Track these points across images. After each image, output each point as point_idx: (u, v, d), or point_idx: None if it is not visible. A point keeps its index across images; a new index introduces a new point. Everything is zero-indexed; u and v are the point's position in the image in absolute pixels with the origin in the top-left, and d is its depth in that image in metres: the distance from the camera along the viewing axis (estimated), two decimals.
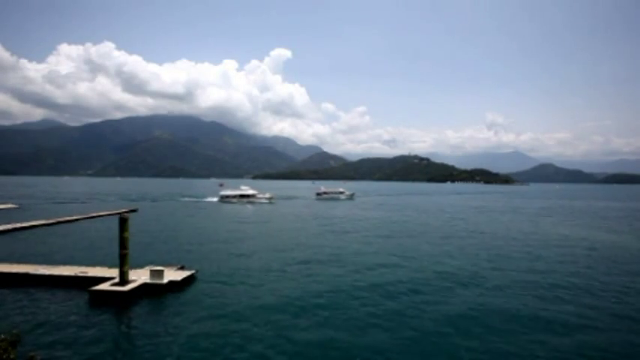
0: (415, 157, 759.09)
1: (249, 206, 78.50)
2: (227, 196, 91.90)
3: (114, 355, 13.05)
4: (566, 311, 17.61)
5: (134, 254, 21.42)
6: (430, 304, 18.36)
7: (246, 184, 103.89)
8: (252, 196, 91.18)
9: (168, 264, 23.63)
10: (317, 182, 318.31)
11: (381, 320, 16.31)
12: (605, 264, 27.58)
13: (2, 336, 6.81)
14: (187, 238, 36.36)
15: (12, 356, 6.59)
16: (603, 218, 63.77)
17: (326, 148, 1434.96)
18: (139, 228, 40.00)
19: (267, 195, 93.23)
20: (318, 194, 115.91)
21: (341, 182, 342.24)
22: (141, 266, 22.45)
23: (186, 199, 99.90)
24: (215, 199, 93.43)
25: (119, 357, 12.94)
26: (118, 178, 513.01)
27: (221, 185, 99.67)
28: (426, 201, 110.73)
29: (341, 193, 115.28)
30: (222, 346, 13.67)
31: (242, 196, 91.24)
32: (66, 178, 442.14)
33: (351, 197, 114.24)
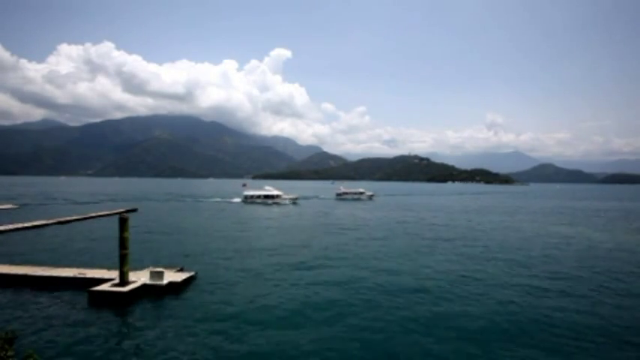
0: (415, 157, 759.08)
1: (274, 208, 75.84)
2: (251, 197, 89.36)
3: (112, 355, 13.00)
4: None
5: (134, 255, 21.36)
6: None
7: (246, 185, 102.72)
8: (277, 196, 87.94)
9: (169, 265, 23.61)
10: (336, 182, 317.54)
11: None
12: None
13: None
14: (197, 240, 36.15)
15: (9, 354, 6.56)
16: None
17: (326, 148, 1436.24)
18: (139, 228, 40.01)
19: (292, 196, 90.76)
20: (339, 194, 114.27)
21: (337, 182, 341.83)
22: (141, 267, 22.43)
23: (209, 199, 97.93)
24: (238, 200, 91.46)
25: (117, 358, 12.88)
26: (116, 178, 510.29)
27: (244, 185, 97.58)
28: (441, 202, 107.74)
29: (361, 193, 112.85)
30: (219, 349, 13.62)
31: (266, 196, 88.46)
32: (62, 178, 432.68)
33: (371, 198, 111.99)
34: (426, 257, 29.29)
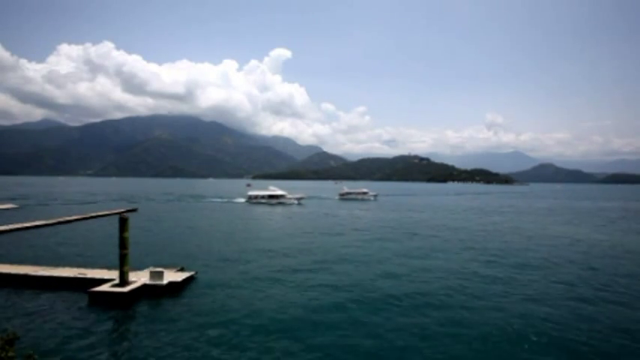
0: (415, 157, 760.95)
1: (278, 208, 74.82)
2: (255, 197, 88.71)
3: (112, 356, 12.97)
4: None
5: (135, 255, 21.29)
6: None
7: (251, 185, 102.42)
8: (282, 196, 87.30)
9: (169, 265, 23.57)
10: (340, 182, 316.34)
11: None
12: None
13: None
14: (198, 240, 36.04)
15: (10, 354, 6.56)
16: None
17: (326, 148, 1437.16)
18: (139, 229, 39.93)
19: (297, 195, 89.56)
20: (342, 194, 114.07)
21: (340, 182, 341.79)
22: (141, 267, 22.38)
23: (214, 199, 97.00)
24: (242, 200, 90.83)
25: (117, 358, 12.86)
26: (114, 178, 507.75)
27: (248, 185, 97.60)
28: (453, 202, 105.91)
29: (364, 193, 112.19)
30: (219, 349, 13.58)
31: (271, 196, 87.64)
32: (61, 179, 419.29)
33: (375, 198, 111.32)
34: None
